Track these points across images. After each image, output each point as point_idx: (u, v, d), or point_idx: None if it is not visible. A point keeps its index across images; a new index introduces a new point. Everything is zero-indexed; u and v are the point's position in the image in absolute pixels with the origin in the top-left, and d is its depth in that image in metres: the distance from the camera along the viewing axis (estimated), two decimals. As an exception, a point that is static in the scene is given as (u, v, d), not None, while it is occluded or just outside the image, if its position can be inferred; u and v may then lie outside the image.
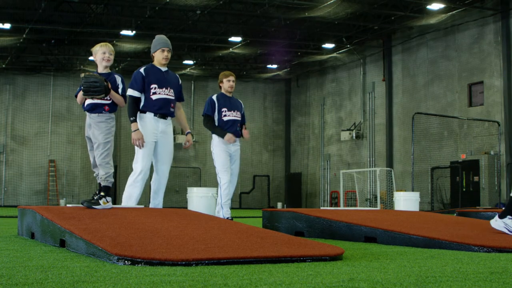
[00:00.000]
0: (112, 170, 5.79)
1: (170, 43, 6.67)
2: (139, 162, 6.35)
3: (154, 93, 6.33)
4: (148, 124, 6.33)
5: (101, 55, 5.79)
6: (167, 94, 6.43)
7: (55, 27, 22.76)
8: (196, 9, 20.86)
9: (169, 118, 6.50)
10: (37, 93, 28.83)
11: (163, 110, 6.39)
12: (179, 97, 6.67)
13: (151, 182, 6.68)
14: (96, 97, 5.61)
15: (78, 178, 28.97)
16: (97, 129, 5.70)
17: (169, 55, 6.53)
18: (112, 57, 5.86)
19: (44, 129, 28.86)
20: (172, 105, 6.48)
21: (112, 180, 5.78)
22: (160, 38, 6.61)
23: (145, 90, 6.34)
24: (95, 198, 5.68)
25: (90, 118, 5.76)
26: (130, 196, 6.33)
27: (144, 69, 6.41)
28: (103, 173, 5.70)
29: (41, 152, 28.67)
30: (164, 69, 6.55)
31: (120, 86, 5.81)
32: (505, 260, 4.10)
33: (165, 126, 6.45)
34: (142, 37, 23.24)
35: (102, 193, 5.68)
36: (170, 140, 6.57)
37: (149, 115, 6.34)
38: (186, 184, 28.88)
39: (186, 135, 6.82)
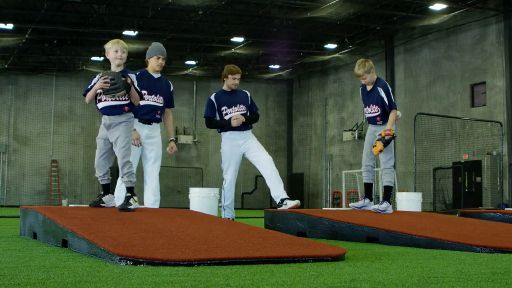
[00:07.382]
0: (134, 170, 5.68)
1: (165, 50, 6.87)
2: None
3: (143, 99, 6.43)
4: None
5: (113, 54, 5.61)
6: (155, 101, 6.63)
7: (57, 27, 22.79)
8: (198, 9, 20.86)
9: (154, 123, 6.67)
10: (39, 94, 28.85)
11: (147, 116, 6.58)
12: (168, 104, 6.84)
13: (144, 185, 6.76)
14: (117, 95, 5.45)
15: (80, 178, 29.00)
16: (119, 130, 5.55)
17: (163, 63, 6.74)
18: (125, 55, 5.68)
19: (46, 129, 28.89)
20: (158, 111, 6.66)
21: (135, 179, 5.65)
22: (157, 45, 6.84)
23: None
24: (124, 200, 5.57)
25: (109, 119, 5.57)
26: (118, 198, 6.33)
27: (138, 75, 6.32)
28: (125, 172, 5.56)
29: (43, 152, 28.69)
30: (156, 76, 6.75)
31: (135, 83, 5.66)
32: (507, 261, 4.09)
33: (150, 131, 6.64)
34: (145, 38, 23.24)
35: (128, 194, 5.57)
36: (157, 143, 6.72)
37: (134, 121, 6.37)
38: (188, 184, 28.85)
39: (169, 142, 6.95)
